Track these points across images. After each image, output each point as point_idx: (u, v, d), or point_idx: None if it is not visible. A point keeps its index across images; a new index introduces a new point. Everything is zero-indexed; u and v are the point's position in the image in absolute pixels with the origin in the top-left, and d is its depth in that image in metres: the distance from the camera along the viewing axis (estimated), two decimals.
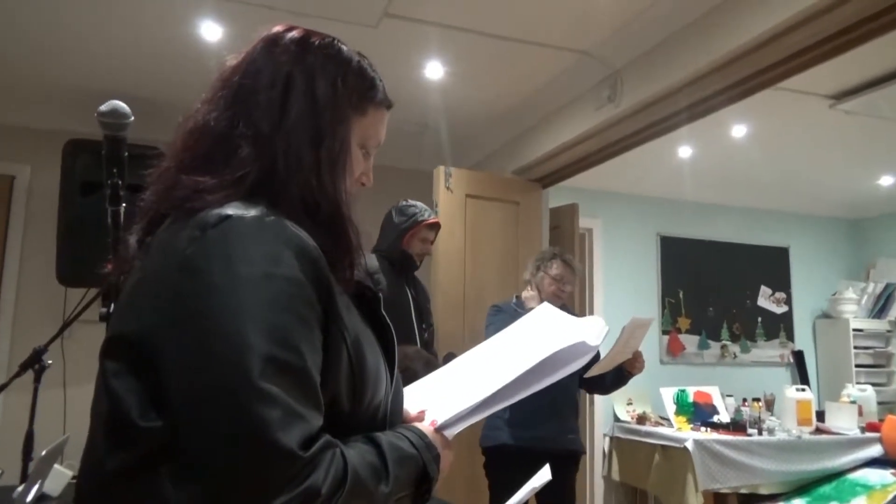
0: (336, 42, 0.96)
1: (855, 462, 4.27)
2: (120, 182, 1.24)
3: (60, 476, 2.12)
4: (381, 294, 1.00)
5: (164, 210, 0.86)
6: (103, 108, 1.21)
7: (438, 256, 3.64)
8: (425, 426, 0.96)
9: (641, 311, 5.31)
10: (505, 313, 3.01)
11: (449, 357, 3.63)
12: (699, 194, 5.42)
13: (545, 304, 1.42)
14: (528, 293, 3.00)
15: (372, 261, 3.00)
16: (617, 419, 4.92)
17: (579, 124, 3.40)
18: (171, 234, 0.81)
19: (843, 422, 4.52)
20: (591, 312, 5.14)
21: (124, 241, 0.89)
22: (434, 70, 3.30)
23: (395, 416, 0.95)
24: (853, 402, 4.60)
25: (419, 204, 3.09)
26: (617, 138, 3.31)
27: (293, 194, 0.85)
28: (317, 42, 0.94)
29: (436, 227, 3.15)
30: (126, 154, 1.25)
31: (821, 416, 4.66)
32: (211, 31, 2.94)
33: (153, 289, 0.79)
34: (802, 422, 4.47)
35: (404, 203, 3.09)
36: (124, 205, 1.25)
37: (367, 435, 0.85)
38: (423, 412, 1.04)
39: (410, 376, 1.97)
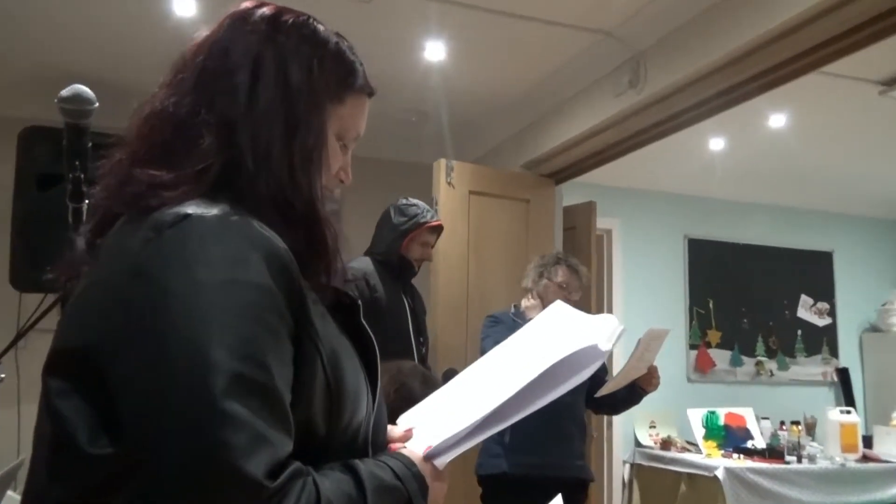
0: (311, 20, 0.96)
1: None
2: (83, 176, 1.25)
3: None
4: (360, 302, 1.01)
5: (115, 208, 0.86)
6: (64, 93, 1.22)
7: (438, 260, 3.64)
8: (414, 453, 0.95)
9: (666, 323, 5.28)
10: (503, 324, 3.02)
11: (449, 374, 3.63)
12: (732, 191, 5.41)
13: (559, 302, 1.41)
14: (529, 302, 3.01)
15: (366, 264, 3.01)
16: (638, 444, 4.93)
17: (597, 113, 3.40)
18: (124, 235, 0.81)
19: (893, 448, 4.52)
20: None
21: (72, 243, 0.89)
22: (434, 51, 3.31)
23: (377, 436, 0.95)
24: None
25: (421, 203, 3.10)
26: (639, 129, 3.33)
27: (262, 191, 0.85)
28: (290, 20, 0.94)
29: (438, 230, 3.16)
30: (90, 144, 1.26)
31: (868, 441, 4.66)
32: (184, 5, 2.96)
33: (102, 296, 0.79)
34: (847, 448, 4.48)
35: (404, 202, 3.09)
36: (87, 201, 1.26)
37: (345, 462, 0.84)
38: (409, 430, 1.05)
39: (406, 394, 1.98)
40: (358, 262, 3.00)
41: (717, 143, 4.41)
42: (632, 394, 2.93)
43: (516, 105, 3.94)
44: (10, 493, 2.09)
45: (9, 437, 3.19)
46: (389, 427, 1.06)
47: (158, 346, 0.73)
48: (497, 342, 3.14)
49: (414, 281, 3.20)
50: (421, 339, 3.12)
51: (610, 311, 5.15)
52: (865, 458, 4.46)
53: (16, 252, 3.29)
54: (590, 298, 3.96)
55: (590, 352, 1.04)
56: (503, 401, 0.99)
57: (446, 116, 4.09)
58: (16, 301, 3.63)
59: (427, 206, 3.11)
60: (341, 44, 0.97)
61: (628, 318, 5.18)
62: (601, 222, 4.60)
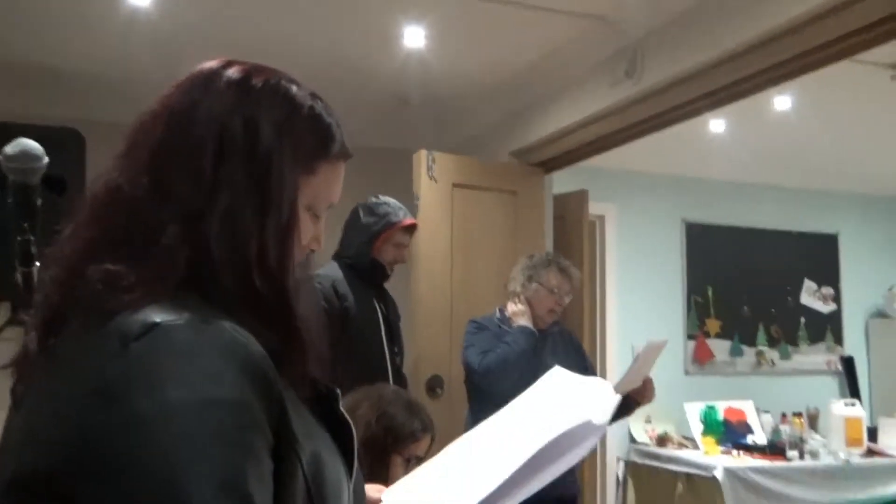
0: (284, 82, 0.92)
1: None
2: (32, 238, 1.20)
3: None
4: (338, 391, 1.00)
5: (67, 308, 0.81)
6: (9, 150, 1.16)
7: (419, 261, 3.62)
8: None
9: (663, 312, 5.34)
10: (487, 331, 3.02)
11: (434, 381, 3.65)
12: (732, 173, 5.41)
13: (557, 368, 1.43)
14: (515, 308, 3.00)
15: (334, 270, 2.98)
16: (633, 440, 4.98)
17: (590, 103, 3.38)
18: (82, 342, 0.78)
19: None
20: (601, 318, 5.15)
21: (23, 345, 0.84)
22: (414, 37, 3.25)
23: None
24: None
25: (392, 201, 3.07)
26: (636, 120, 3.30)
27: (230, 285, 0.83)
28: (259, 84, 0.89)
29: (412, 229, 3.13)
30: (39, 202, 1.21)
31: (872, 433, 4.72)
32: None
33: (62, 416, 0.75)
34: (851, 442, 4.52)
35: (374, 200, 3.06)
36: (38, 264, 1.22)
37: None
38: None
39: (388, 422, 1.98)
40: (326, 269, 2.97)
41: (717, 125, 4.39)
42: (624, 406, 2.95)
43: (502, 92, 3.89)
44: None
45: None
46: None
47: (131, 478, 0.70)
48: (482, 351, 3.16)
49: (389, 285, 3.18)
50: (395, 349, 3.12)
51: (603, 303, 5.16)
52: (870, 453, 4.52)
53: None
54: (582, 291, 3.96)
55: (585, 428, 1.08)
56: (496, 486, 1.01)
57: (426, 102, 4.04)
58: None
59: (399, 204, 3.08)
60: (316, 106, 0.93)
61: (622, 311, 5.22)
62: (594, 208, 4.60)
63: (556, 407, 1.22)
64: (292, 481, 0.80)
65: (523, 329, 2.93)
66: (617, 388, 2.82)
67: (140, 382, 0.72)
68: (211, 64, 0.91)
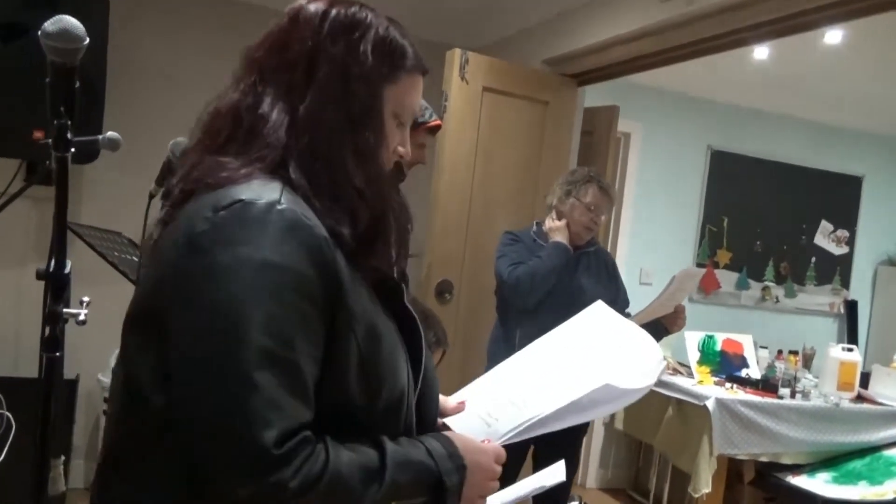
0: (360, 10, 1.09)
1: (894, 438, 4.47)
2: (69, 122, 1.16)
3: None
4: (404, 286, 1.16)
5: (186, 187, 1.02)
6: (49, 27, 1.10)
7: (444, 162, 3.58)
8: (459, 436, 1.10)
9: (675, 238, 5.35)
10: (522, 244, 3.04)
11: (443, 285, 3.66)
12: (766, 103, 5.33)
13: (599, 303, 1.52)
14: (553, 224, 3.02)
15: None
16: None
17: (637, 17, 3.29)
18: (190, 210, 0.98)
19: (890, 390, 4.68)
20: (613, 236, 5.14)
21: (159, 219, 1.06)
22: None
23: (426, 413, 1.13)
24: None
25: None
26: (683, 42, 3.21)
27: (321, 176, 1.00)
28: (340, 13, 1.07)
29: (436, 130, 3.08)
30: (77, 85, 1.16)
31: (865, 378, 4.80)
32: None
33: (166, 263, 0.98)
34: (843, 386, 4.61)
35: None
36: (73, 150, 1.18)
37: (377, 438, 0.99)
38: (462, 403, 1.28)
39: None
40: None
41: (761, 52, 4.27)
42: (655, 332, 2.98)
43: None
44: None
45: None
46: (443, 399, 1.26)
47: (203, 310, 0.91)
48: (513, 263, 3.20)
49: (410, 186, 3.14)
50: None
51: (617, 221, 5.13)
52: (860, 398, 4.61)
53: None
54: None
55: (636, 392, 1.26)
56: (552, 410, 1.20)
57: None
58: None
59: (425, 103, 3.00)
60: (391, 28, 1.10)
61: (636, 232, 5.21)
62: (621, 125, 4.53)
63: (612, 350, 1.33)
64: (347, 347, 0.98)
65: (557, 245, 2.95)
66: (647, 310, 2.86)
67: (220, 241, 0.92)
68: (300, 1, 1.09)
